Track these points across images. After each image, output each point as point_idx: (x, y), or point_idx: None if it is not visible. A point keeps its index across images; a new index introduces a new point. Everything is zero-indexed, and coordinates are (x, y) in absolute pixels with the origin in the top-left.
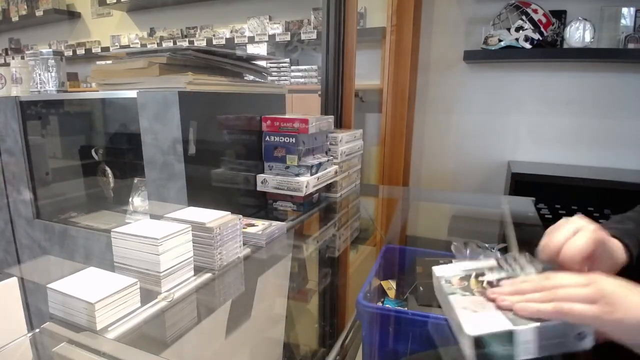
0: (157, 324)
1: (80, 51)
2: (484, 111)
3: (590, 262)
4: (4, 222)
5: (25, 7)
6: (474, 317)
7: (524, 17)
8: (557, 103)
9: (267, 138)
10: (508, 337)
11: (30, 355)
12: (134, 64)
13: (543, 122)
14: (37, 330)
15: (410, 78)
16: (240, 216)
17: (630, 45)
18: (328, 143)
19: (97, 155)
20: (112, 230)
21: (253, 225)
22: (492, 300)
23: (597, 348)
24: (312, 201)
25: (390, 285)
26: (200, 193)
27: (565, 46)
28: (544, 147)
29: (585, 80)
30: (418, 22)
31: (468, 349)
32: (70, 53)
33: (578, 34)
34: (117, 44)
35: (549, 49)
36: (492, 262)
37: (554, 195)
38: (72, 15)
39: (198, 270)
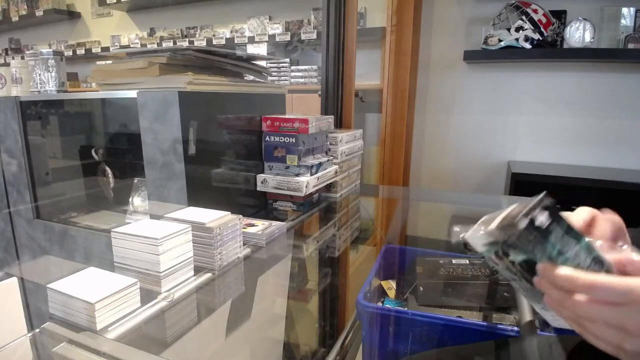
0: (157, 324)
1: (80, 51)
2: (484, 111)
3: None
4: (4, 222)
5: (25, 7)
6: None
7: (524, 17)
8: (557, 103)
9: (267, 138)
10: (576, 236)
11: (30, 355)
12: (134, 64)
13: (543, 122)
14: (37, 330)
15: (410, 78)
16: (240, 216)
17: (630, 45)
18: (328, 143)
19: (97, 155)
20: (112, 230)
21: (253, 225)
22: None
23: None
24: (312, 201)
25: (390, 285)
26: (200, 193)
27: (565, 46)
28: (544, 147)
29: (585, 80)
30: (418, 22)
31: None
32: (70, 53)
33: (578, 34)
34: (117, 44)
35: (549, 49)
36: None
37: (554, 195)
38: (72, 15)
39: (198, 270)
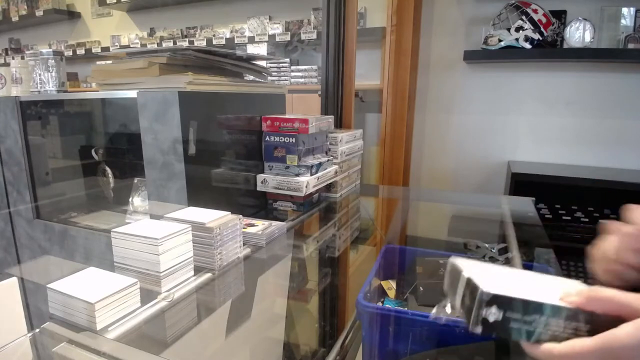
0: (157, 324)
1: (80, 51)
2: (484, 111)
3: None
4: (4, 222)
5: (25, 7)
6: (493, 280)
7: (524, 17)
8: (557, 103)
9: (267, 138)
10: (537, 308)
11: (30, 355)
12: (134, 64)
13: (543, 122)
14: (37, 330)
15: (410, 78)
16: (240, 216)
17: (630, 45)
18: (328, 143)
19: (97, 155)
20: (112, 230)
21: (253, 225)
22: None
23: None
24: (312, 201)
25: (390, 285)
26: (200, 193)
27: (565, 46)
28: (544, 147)
29: (585, 80)
30: (418, 22)
31: (475, 310)
32: (70, 53)
33: (578, 34)
34: (117, 44)
35: (549, 49)
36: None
37: (554, 195)
38: (72, 15)
39: (198, 270)
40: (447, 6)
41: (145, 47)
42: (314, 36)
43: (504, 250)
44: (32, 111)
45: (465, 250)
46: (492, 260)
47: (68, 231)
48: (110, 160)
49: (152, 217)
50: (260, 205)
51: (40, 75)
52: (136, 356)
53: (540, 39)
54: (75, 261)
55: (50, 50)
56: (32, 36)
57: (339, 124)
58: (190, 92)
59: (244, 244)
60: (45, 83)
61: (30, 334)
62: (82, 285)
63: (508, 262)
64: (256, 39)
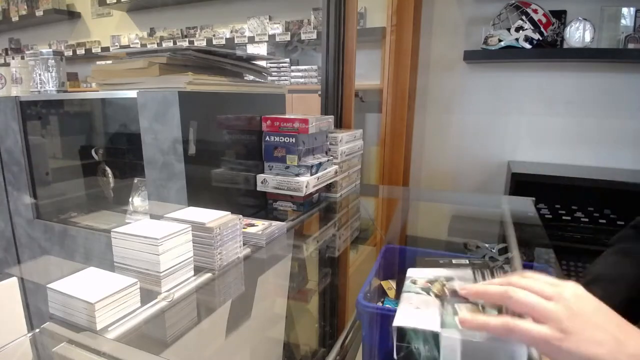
0: (157, 324)
1: (80, 51)
2: (484, 111)
3: None
4: (4, 222)
5: (25, 7)
6: (411, 312)
7: (524, 17)
8: (557, 103)
9: (267, 138)
10: (433, 338)
11: (30, 355)
12: (134, 64)
13: (543, 122)
14: (37, 330)
15: (410, 78)
16: (240, 216)
17: (630, 45)
18: (328, 143)
19: (97, 155)
20: (112, 230)
21: (253, 225)
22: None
23: None
24: (312, 201)
25: (390, 285)
26: (200, 193)
27: (565, 46)
28: (544, 147)
29: (585, 80)
30: (418, 22)
31: (393, 340)
32: (70, 53)
33: (578, 34)
34: (117, 44)
35: (549, 49)
36: (467, 271)
37: (554, 195)
38: (72, 15)
39: (198, 270)
40: (447, 6)
41: (145, 47)
42: (314, 36)
43: (504, 250)
44: (32, 111)
45: (465, 250)
46: (492, 260)
47: (68, 231)
48: (110, 160)
49: (152, 217)
50: (260, 205)
51: (40, 75)
52: (136, 356)
53: (540, 39)
54: (75, 261)
55: (50, 50)
56: (32, 36)
57: (339, 124)
58: (190, 92)
59: (244, 244)
60: (45, 83)
61: (30, 334)
62: (82, 285)
63: (508, 262)
64: (256, 39)
